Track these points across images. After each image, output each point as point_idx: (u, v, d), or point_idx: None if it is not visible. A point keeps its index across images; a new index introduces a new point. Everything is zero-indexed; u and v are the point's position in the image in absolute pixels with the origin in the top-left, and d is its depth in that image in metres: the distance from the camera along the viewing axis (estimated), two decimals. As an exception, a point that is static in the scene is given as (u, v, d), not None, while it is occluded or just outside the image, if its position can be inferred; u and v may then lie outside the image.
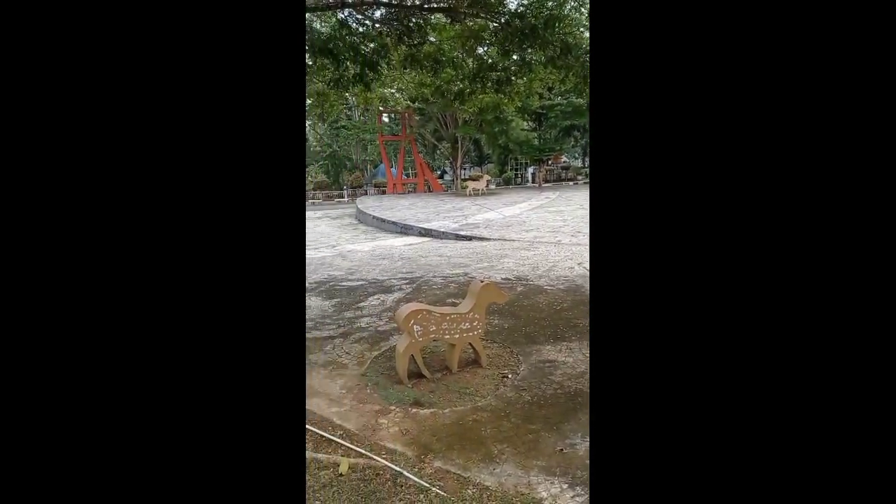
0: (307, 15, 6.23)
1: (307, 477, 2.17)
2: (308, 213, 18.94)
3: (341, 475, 2.19)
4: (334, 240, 11.35)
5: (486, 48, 7.15)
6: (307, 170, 31.87)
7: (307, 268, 7.75)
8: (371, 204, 16.53)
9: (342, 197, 27.39)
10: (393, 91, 14.16)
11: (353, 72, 5.92)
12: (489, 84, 6.69)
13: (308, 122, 31.83)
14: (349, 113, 28.49)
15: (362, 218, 14.80)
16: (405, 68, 6.87)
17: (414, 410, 2.81)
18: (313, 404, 2.95)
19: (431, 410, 2.80)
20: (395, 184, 22.79)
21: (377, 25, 5.98)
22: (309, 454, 2.36)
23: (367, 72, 5.75)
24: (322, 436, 2.55)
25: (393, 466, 2.24)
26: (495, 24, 5.93)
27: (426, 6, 5.83)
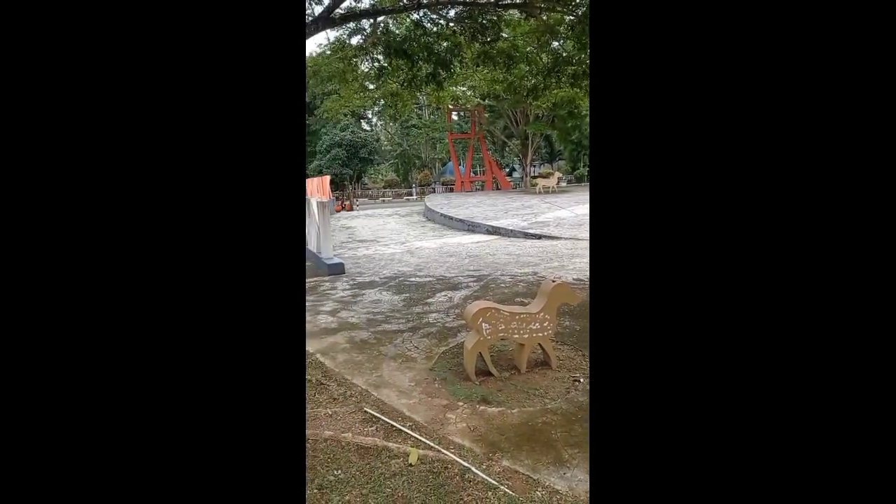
0: (382, 18, 6.43)
1: (378, 463, 2.25)
2: (378, 211, 19.61)
3: (411, 465, 2.24)
4: (403, 236, 11.65)
5: (561, 42, 6.97)
6: (378, 168, 32.99)
7: (377, 263, 8.02)
8: (439, 201, 16.75)
9: (411, 195, 28.04)
10: (464, 89, 14.21)
11: (426, 71, 6.03)
12: (564, 79, 6.52)
13: (380, 123, 32.91)
14: (419, 112, 29.03)
15: (430, 215, 15.04)
16: (478, 66, 6.88)
17: (482, 408, 2.81)
18: (383, 394, 3.05)
19: (499, 409, 2.78)
20: (462, 181, 22.92)
21: (451, 24, 6.03)
22: (380, 442, 2.45)
23: (440, 71, 5.83)
24: (392, 425, 2.63)
25: (461, 461, 2.25)
26: (571, 18, 5.76)
27: (501, 3, 5.79)
